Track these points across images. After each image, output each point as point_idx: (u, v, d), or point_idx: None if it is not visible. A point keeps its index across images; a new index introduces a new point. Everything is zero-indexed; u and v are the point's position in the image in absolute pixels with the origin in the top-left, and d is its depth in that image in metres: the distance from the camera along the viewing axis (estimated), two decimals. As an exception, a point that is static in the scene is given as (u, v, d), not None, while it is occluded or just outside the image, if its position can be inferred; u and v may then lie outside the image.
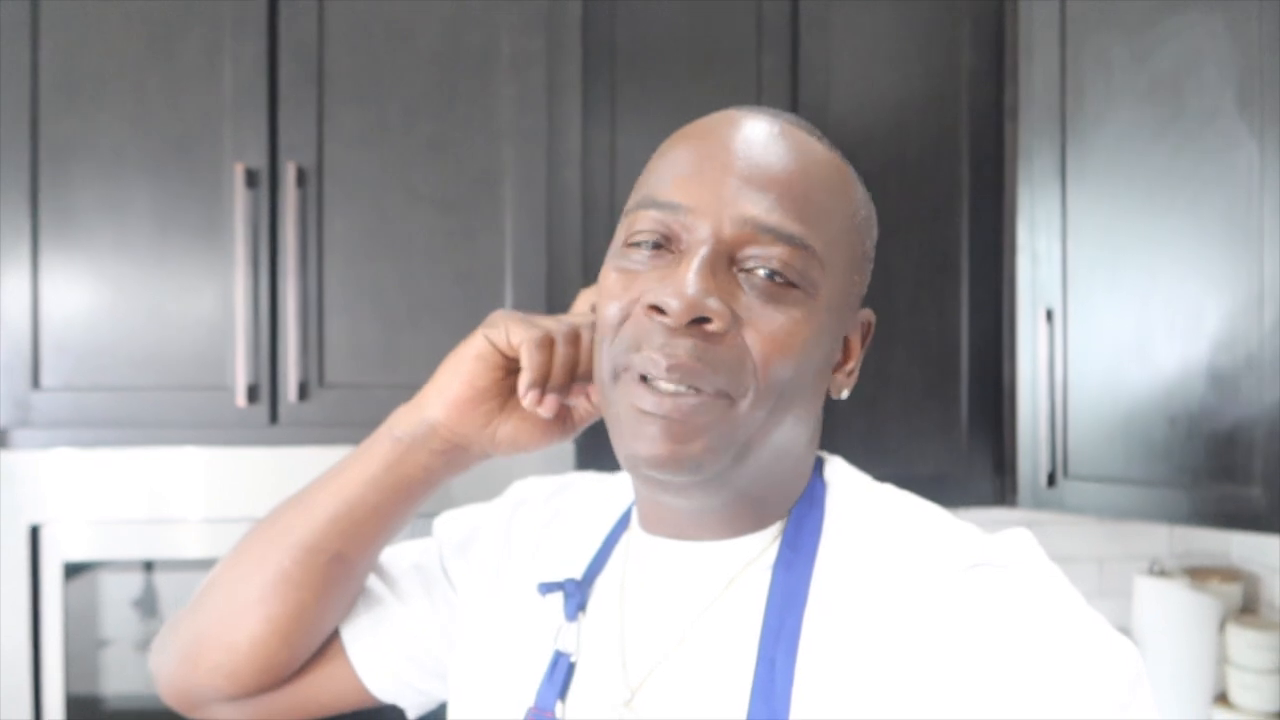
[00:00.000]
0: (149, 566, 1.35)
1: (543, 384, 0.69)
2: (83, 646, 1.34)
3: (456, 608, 0.79)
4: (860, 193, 0.65)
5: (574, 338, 0.70)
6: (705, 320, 0.57)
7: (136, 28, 1.36)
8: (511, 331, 0.69)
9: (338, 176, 1.38)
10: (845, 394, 0.67)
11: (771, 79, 1.63)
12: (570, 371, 0.70)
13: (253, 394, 1.35)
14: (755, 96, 1.62)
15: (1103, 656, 0.54)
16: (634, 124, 1.58)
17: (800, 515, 0.65)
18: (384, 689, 0.79)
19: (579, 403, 0.73)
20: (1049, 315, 1.59)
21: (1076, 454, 1.57)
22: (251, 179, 1.35)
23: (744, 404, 0.58)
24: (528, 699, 0.66)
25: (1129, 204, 1.52)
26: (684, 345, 0.56)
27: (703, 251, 0.57)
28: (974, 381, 1.67)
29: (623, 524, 0.72)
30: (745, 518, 0.64)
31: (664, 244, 0.59)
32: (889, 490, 0.68)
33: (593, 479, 0.81)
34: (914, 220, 1.66)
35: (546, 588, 0.69)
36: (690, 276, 0.56)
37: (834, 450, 0.70)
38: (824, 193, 0.61)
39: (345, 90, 1.39)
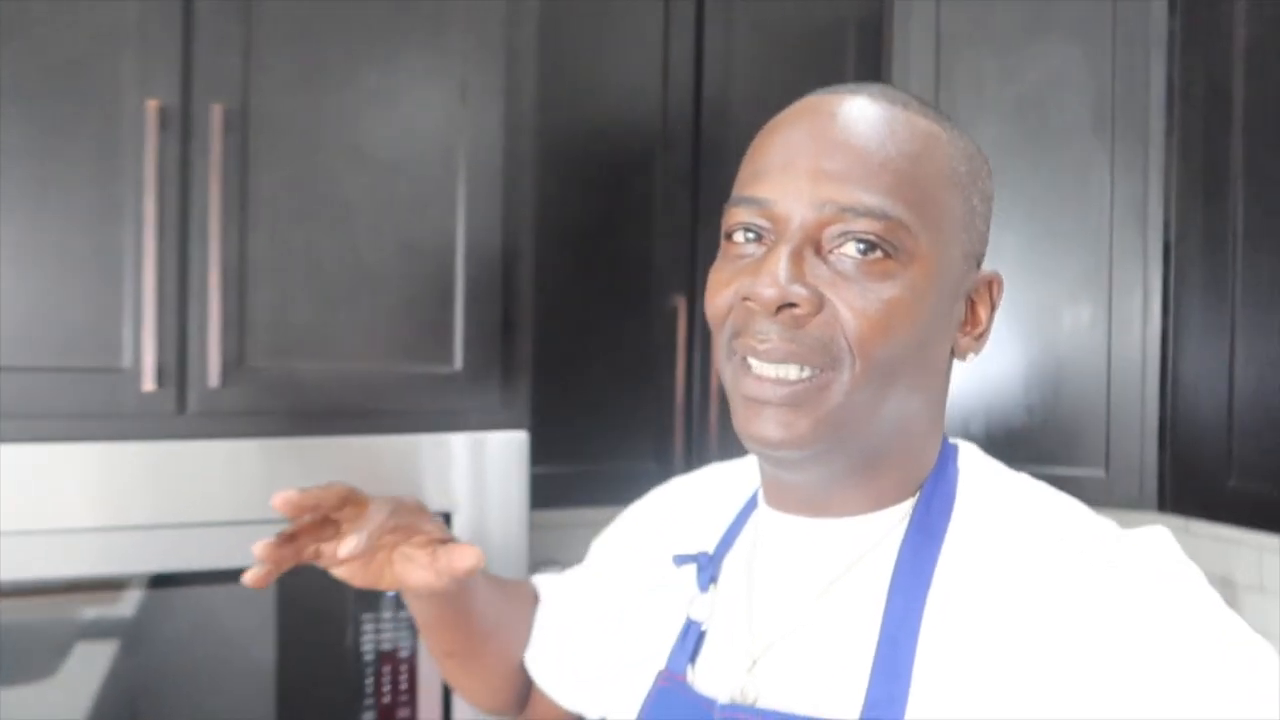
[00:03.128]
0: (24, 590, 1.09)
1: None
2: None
3: (605, 603, 0.85)
4: (957, 149, 0.65)
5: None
6: (793, 305, 0.60)
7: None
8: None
9: (265, 124, 1.18)
10: (972, 357, 0.69)
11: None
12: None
13: (159, 378, 1.13)
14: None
15: (1249, 657, 0.55)
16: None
17: (929, 496, 0.66)
18: (574, 704, 0.90)
19: (408, 569, 0.80)
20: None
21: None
22: (165, 120, 1.12)
23: (842, 379, 0.61)
24: (659, 663, 0.72)
25: (994, 219, 1.67)
26: (774, 329, 0.61)
27: (788, 241, 0.61)
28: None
29: (753, 503, 0.75)
30: (869, 494, 0.66)
31: (762, 235, 0.64)
32: (1024, 479, 0.69)
33: (726, 465, 0.86)
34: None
35: (681, 559, 0.73)
36: (777, 267, 0.60)
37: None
38: (905, 159, 0.62)
39: (276, 22, 1.18)
